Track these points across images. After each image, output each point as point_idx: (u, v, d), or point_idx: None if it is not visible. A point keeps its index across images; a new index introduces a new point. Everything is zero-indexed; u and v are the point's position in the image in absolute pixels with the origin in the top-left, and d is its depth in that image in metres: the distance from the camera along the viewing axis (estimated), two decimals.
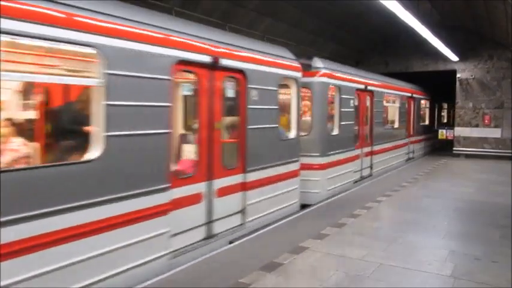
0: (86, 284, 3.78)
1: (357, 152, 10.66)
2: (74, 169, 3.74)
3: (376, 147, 12.03)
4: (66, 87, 5.23)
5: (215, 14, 10.50)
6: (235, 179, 5.96)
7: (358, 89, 10.56)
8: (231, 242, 5.81)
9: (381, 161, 12.45)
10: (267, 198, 6.65)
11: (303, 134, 8.34)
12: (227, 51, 5.75)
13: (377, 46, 18.55)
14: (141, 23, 4.43)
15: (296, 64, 7.69)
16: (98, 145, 3.95)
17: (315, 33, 14.83)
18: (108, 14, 4.07)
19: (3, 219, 3.18)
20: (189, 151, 5.76)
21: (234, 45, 5.95)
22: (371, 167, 11.72)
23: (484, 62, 16.92)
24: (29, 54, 4.50)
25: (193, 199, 5.20)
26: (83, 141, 4.08)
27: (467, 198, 8.99)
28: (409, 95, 15.60)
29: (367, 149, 11.39)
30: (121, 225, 4.13)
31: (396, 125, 14.31)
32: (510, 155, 16.05)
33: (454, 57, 16.47)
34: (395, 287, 4.40)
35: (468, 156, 16.99)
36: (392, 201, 8.63)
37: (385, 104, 13.11)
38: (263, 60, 6.58)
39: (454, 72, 17.55)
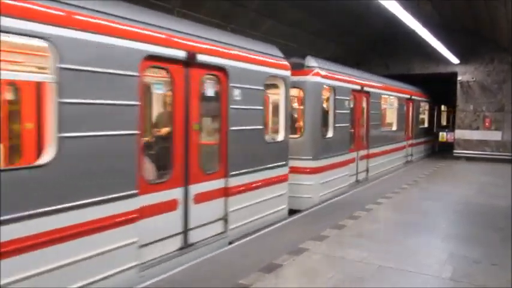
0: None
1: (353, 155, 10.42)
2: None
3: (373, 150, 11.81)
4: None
5: (216, 15, 10.53)
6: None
7: (354, 90, 10.18)
8: (230, 243, 5.81)
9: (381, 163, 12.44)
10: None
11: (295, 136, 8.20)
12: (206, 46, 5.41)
13: (377, 48, 18.55)
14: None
15: (284, 62, 7.27)
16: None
17: (316, 35, 14.85)
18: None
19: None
20: None
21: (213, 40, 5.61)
22: (367, 171, 11.51)
23: (485, 65, 16.91)
24: None
25: None
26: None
27: (467, 201, 8.97)
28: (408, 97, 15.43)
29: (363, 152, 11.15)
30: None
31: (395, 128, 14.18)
32: (510, 158, 16.03)
33: (455, 60, 16.47)
34: None
35: (468, 159, 16.98)
36: (392, 204, 8.62)
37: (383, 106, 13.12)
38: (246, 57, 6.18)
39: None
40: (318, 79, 8.47)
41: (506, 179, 11.82)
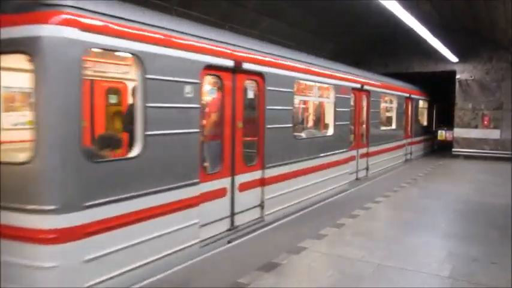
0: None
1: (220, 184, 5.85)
2: None
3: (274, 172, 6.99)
4: None
5: (215, 14, 10.52)
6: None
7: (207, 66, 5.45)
8: (229, 242, 5.81)
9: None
10: None
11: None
12: None
13: (377, 47, 18.56)
14: None
15: None
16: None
17: (315, 33, 14.84)
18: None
19: None
20: None
21: None
22: (262, 207, 6.77)
23: (484, 63, 16.92)
24: None
25: None
26: None
27: (466, 199, 8.98)
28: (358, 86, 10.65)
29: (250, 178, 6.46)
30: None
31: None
32: (509, 156, 16.06)
33: (453, 58, 16.49)
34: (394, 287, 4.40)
35: (467, 157, 17.00)
36: (391, 202, 8.62)
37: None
38: None
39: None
40: (70, 32, 3.81)
41: (505, 177, 11.84)
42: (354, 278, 4.60)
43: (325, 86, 9.39)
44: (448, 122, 20.37)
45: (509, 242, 5.85)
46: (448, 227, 6.94)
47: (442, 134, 21.57)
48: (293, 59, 7.66)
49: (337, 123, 9.42)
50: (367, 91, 11.39)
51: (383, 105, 13.47)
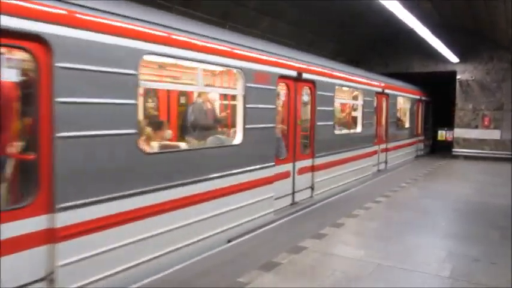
0: None
1: None
2: None
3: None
4: None
5: (216, 13, 10.52)
6: None
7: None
8: (229, 241, 5.80)
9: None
10: None
11: None
12: None
13: (377, 47, 18.56)
14: None
15: None
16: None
17: (315, 33, 14.84)
18: None
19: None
20: None
21: None
22: None
23: (484, 64, 16.93)
24: None
25: None
26: None
27: (466, 199, 8.98)
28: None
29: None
30: None
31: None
32: (509, 156, 16.06)
33: (454, 59, 16.48)
34: (394, 287, 4.39)
35: (467, 157, 17.00)
36: (391, 202, 8.61)
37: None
38: None
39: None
40: None
41: (505, 177, 11.84)
42: (353, 277, 4.60)
43: (223, 69, 6.86)
44: (446, 123, 20.16)
45: (509, 242, 5.86)
46: (448, 227, 6.94)
47: (442, 135, 21.63)
48: (137, 19, 4.51)
49: (249, 126, 6.34)
50: (311, 81, 8.25)
51: (341, 101, 10.96)
